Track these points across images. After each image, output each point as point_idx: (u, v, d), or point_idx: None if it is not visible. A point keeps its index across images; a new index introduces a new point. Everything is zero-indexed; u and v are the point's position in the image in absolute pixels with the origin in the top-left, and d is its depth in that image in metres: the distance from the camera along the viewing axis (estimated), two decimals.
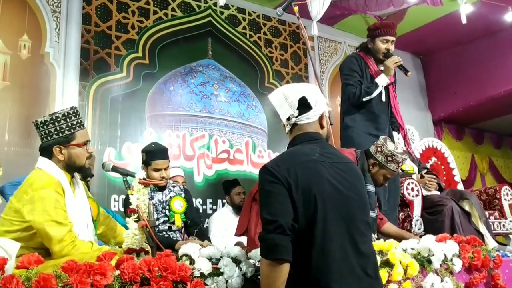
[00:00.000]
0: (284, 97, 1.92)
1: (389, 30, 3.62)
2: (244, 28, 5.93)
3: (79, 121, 2.38)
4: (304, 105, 1.89)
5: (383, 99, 3.61)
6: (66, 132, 2.33)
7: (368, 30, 3.73)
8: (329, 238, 1.66)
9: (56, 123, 2.31)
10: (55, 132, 2.31)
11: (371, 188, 3.10)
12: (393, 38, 3.64)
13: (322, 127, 1.96)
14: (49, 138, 2.31)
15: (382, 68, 3.61)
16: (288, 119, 1.91)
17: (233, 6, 5.88)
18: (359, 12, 6.22)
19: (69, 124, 2.34)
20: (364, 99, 3.49)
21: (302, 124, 1.91)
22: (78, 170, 2.42)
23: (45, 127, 2.30)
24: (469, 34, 6.81)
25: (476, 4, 5.86)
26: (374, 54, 3.66)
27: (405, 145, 3.56)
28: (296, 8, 3.10)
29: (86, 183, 3.07)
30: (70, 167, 2.36)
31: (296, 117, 1.89)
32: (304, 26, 3.10)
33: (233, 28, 5.82)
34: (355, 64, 3.61)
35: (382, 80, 3.52)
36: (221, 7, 5.66)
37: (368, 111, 3.57)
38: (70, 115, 2.34)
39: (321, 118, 1.95)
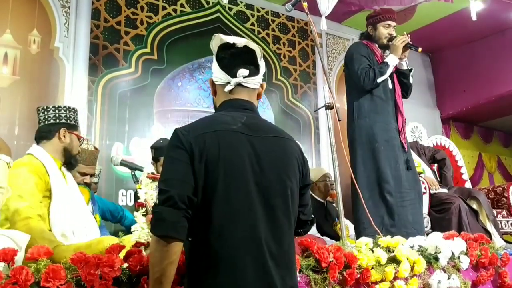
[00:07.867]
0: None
1: (390, 15, 3.58)
2: (253, 24, 5.92)
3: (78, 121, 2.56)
4: (258, 66, 1.66)
5: (390, 86, 3.51)
6: (74, 122, 2.49)
7: (368, 18, 3.68)
8: (231, 221, 1.44)
9: (68, 112, 2.46)
10: (65, 117, 2.45)
11: None
12: (395, 24, 3.59)
13: (259, 97, 1.73)
14: (57, 120, 2.43)
15: (388, 53, 3.52)
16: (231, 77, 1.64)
17: (241, 2, 5.87)
18: (368, 9, 6.18)
19: (76, 118, 2.52)
20: (378, 80, 3.38)
21: (244, 87, 1.65)
22: (71, 157, 2.50)
23: (56, 111, 2.42)
24: (479, 32, 6.75)
25: (486, 1, 5.81)
26: (377, 41, 3.59)
27: (399, 135, 3.42)
28: (305, 4, 3.06)
29: (92, 184, 3.18)
30: (66, 152, 2.45)
31: (245, 77, 1.63)
32: (313, 23, 3.07)
33: (242, 25, 5.82)
34: (363, 50, 3.52)
35: (392, 60, 3.44)
36: (229, 3, 5.66)
37: (379, 97, 3.46)
38: (76, 112, 2.52)
39: (261, 86, 1.72)
